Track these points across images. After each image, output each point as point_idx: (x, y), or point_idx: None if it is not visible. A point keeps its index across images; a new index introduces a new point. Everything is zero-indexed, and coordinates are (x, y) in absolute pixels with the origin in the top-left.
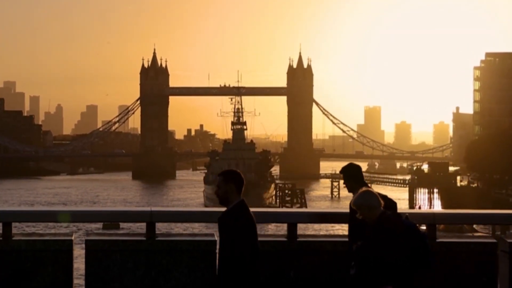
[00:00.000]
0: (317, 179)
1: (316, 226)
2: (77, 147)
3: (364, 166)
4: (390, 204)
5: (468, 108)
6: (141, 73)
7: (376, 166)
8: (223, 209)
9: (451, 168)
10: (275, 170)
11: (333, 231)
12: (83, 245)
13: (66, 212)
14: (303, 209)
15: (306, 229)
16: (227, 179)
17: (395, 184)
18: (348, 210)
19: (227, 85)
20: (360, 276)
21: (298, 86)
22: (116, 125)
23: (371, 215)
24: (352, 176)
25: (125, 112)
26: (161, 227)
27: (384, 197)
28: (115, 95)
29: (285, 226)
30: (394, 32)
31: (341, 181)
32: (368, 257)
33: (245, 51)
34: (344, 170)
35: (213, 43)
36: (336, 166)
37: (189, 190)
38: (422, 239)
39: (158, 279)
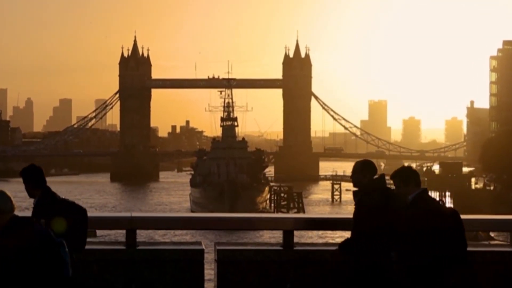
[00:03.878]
0: (316, 181)
1: (315, 233)
2: (49, 146)
3: None
4: (77, 211)
5: (483, 102)
6: (120, 64)
7: (382, 167)
8: (213, 214)
9: (465, 169)
10: (270, 171)
11: (333, 239)
12: None
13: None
14: (301, 215)
15: (304, 237)
16: None
17: None
18: (351, 216)
19: (216, 76)
20: None
21: (295, 77)
22: (93, 121)
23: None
24: (31, 179)
25: (102, 107)
26: (142, 235)
27: (71, 204)
28: (91, 88)
29: (280, 233)
30: (401, 18)
31: (343, 183)
32: None
33: (236, 39)
34: (23, 171)
35: (201, 30)
36: (338, 166)
37: (174, 193)
38: (57, 249)
39: None
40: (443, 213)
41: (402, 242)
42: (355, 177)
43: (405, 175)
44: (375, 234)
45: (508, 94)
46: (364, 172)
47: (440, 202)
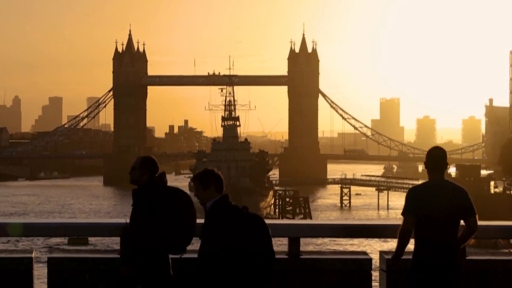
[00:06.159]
0: (323, 185)
1: (322, 241)
2: (38, 147)
3: (380, 169)
4: None
5: (503, 100)
6: (114, 59)
7: (394, 170)
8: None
9: (483, 172)
10: (274, 174)
11: (342, 247)
12: (45, 264)
13: (17, 223)
14: (307, 221)
15: (311, 245)
16: None
17: None
18: (360, 222)
19: (216, 73)
20: None
21: (301, 74)
22: (85, 120)
23: None
24: None
25: (95, 106)
26: None
27: None
28: (83, 85)
29: (286, 240)
30: (414, 11)
31: (352, 188)
32: None
33: (238, 33)
34: None
35: (200, 23)
36: (347, 169)
37: None
38: None
39: None
40: (244, 221)
41: (201, 249)
42: (132, 174)
43: (205, 179)
44: (150, 235)
45: None
46: (143, 169)
47: (244, 210)
